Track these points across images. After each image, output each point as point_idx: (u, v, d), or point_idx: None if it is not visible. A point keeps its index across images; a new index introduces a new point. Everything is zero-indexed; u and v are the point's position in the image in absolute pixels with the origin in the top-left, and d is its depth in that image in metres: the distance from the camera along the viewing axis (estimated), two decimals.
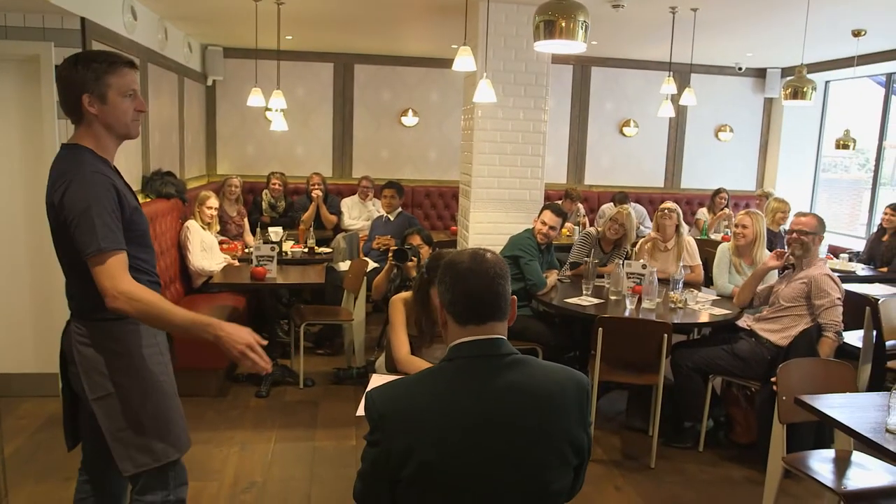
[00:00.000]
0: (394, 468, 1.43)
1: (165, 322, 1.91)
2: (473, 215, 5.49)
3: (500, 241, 5.08)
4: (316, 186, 7.18)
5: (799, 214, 3.87)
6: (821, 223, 3.78)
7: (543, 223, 4.57)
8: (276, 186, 7.28)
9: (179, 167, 6.85)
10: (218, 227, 5.94)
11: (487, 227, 5.48)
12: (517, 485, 1.43)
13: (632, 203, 7.74)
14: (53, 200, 1.95)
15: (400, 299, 3.08)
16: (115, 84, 2.00)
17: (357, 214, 7.32)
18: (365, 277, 5.08)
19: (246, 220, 6.71)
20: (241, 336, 1.88)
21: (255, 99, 6.28)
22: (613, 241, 5.07)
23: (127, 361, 2.06)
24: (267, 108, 7.56)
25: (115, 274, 1.88)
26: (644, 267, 4.37)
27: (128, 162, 5.15)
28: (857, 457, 2.92)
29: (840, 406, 2.58)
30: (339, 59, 8.24)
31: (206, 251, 5.48)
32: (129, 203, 2.02)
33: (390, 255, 4.39)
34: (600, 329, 3.65)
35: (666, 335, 3.62)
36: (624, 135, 8.76)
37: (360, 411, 2.54)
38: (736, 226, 4.55)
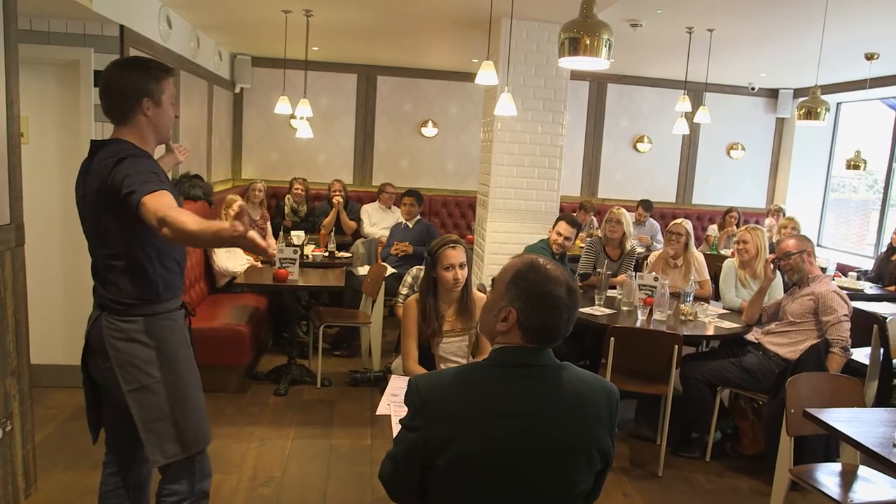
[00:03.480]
0: (430, 455, 1.46)
1: (205, 239, 1.81)
2: (490, 224, 5.51)
3: (515, 250, 5.09)
4: (337, 193, 7.23)
5: (779, 241, 3.93)
6: (801, 240, 3.83)
7: (559, 234, 4.58)
8: (299, 192, 7.35)
9: (207, 171, 6.92)
10: None
11: (503, 237, 5.50)
12: (547, 482, 1.46)
13: (648, 217, 7.77)
14: (104, 181, 1.97)
15: (414, 300, 3.08)
16: (167, 91, 2.12)
17: (377, 221, 7.36)
18: (383, 282, 5.10)
19: (269, 223, 6.76)
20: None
21: (283, 107, 6.33)
22: (619, 244, 5.04)
23: (158, 355, 2.10)
24: (292, 116, 7.64)
25: (165, 205, 1.83)
26: (656, 279, 4.37)
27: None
28: (864, 471, 2.90)
29: (848, 420, 2.57)
30: (362, 71, 8.31)
31: (230, 252, 5.52)
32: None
33: None
34: (612, 339, 3.65)
35: (676, 346, 3.62)
36: (638, 150, 8.75)
37: (379, 411, 2.58)
38: (737, 242, 4.57)
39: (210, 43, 6.91)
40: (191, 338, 2.27)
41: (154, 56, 4.99)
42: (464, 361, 3.01)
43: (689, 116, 6.37)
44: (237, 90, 8.13)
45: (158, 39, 5.11)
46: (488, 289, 3.82)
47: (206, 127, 6.87)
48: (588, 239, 5.46)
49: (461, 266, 2.96)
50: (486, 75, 4.42)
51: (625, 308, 4.30)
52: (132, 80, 2.07)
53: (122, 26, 4.34)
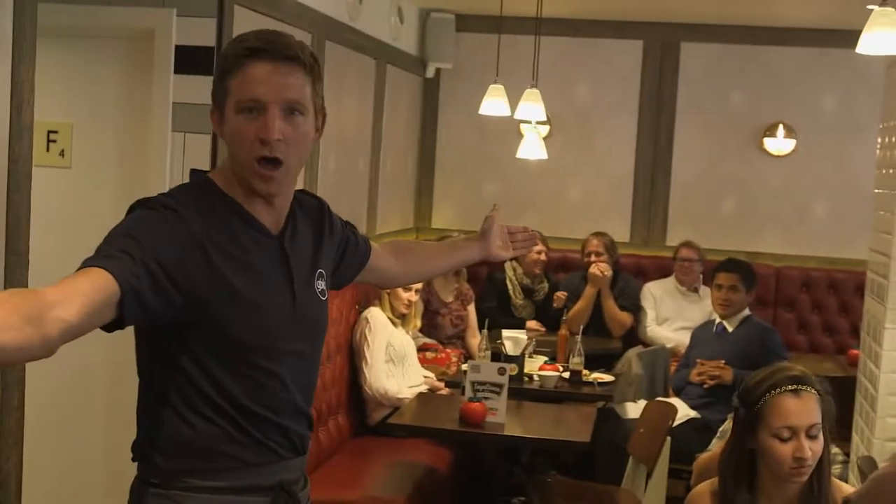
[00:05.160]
0: None
1: None
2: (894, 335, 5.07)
3: None
4: (597, 257, 7.15)
5: None
6: None
7: None
8: (536, 256, 7.31)
9: (367, 214, 7.15)
10: (418, 323, 6.08)
11: None
12: None
13: None
14: None
15: (710, 490, 3.00)
16: (234, 89, 2.16)
17: (672, 313, 7.30)
18: (667, 438, 4.88)
19: (472, 308, 6.89)
20: None
21: (493, 104, 6.35)
22: None
23: None
24: (523, 121, 7.70)
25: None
26: None
27: None
28: None
29: None
30: (652, 34, 8.29)
31: (395, 363, 5.67)
32: (227, 280, 2.13)
33: None
34: None
35: None
36: None
37: None
38: None
39: None
40: None
41: (279, 21, 5.21)
42: None
43: None
44: (430, 73, 8.41)
45: None
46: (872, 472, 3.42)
47: (368, 137, 7.12)
48: None
49: (812, 433, 2.77)
50: (884, 38, 4.13)
51: None
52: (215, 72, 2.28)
53: None
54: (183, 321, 2.08)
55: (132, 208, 2.13)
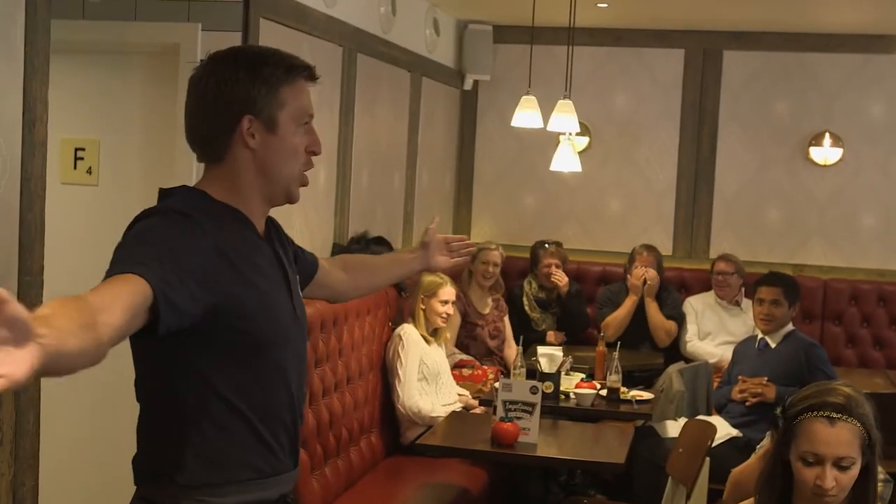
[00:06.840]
0: None
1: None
2: None
3: None
4: (644, 266, 7.18)
5: None
6: None
7: None
8: (546, 270, 7.30)
9: (403, 228, 7.13)
10: (449, 336, 6.09)
11: None
12: None
13: None
14: None
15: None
16: (291, 103, 2.25)
17: (714, 328, 7.23)
18: (706, 459, 4.72)
19: (507, 320, 6.94)
20: None
21: (525, 116, 6.33)
22: None
23: None
24: (562, 134, 7.67)
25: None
26: None
27: (308, 219, 5.42)
28: None
29: None
30: (694, 42, 8.20)
31: (429, 381, 5.62)
32: (244, 286, 2.19)
33: None
34: None
35: None
36: None
37: None
38: None
39: (418, 3, 7.15)
40: None
41: (308, 34, 5.19)
42: None
43: None
44: (467, 86, 8.38)
45: (318, 3, 5.32)
46: None
47: (404, 151, 7.10)
48: None
49: (842, 465, 2.67)
50: None
51: None
52: (227, 86, 2.22)
53: None
54: (210, 324, 2.11)
55: (139, 218, 2.18)
